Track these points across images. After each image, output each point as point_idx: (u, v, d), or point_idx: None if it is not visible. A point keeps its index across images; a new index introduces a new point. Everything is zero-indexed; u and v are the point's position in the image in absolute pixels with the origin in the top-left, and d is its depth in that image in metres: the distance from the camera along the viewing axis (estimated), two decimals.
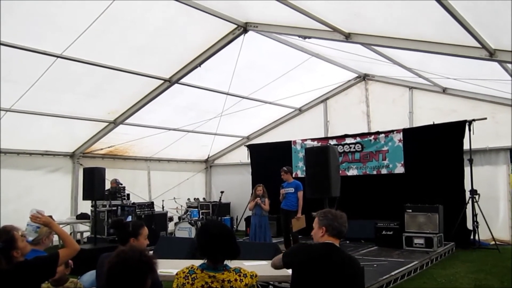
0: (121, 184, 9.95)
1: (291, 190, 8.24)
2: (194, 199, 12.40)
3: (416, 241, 8.12)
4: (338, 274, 2.85)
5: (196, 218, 9.93)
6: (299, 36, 7.02)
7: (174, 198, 11.06)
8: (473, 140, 8.60)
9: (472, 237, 8.58)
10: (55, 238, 3.89)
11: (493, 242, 8.48)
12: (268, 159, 11.10)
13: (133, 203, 9.79)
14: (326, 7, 5.82)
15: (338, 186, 5.48)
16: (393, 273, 6.06)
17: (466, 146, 8.68)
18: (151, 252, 2.35)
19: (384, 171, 9.79)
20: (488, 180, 9.15)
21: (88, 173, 7.92)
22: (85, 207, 9.61)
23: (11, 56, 6.48)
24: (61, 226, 3.56)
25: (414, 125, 10.00)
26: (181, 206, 11.23)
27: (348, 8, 5.70)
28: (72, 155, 10.49)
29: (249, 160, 12.01)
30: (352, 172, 10.22)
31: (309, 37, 6.90)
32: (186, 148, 12.24)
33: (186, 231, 9.45)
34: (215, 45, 7.86)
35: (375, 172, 9.93)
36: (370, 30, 6.27)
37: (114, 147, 10.86)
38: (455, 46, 5.63)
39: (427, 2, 4.47)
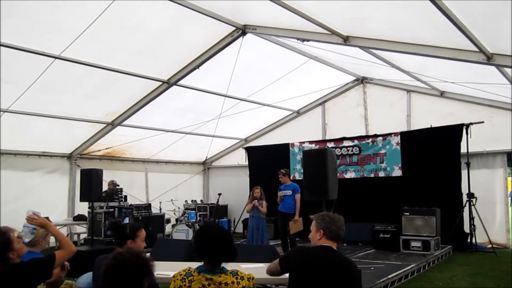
0: (119, 186, 9.94)
1: (289, 192, 8.25)
2: (192, 201, 12.38)
3: (413, 244, 8.14)
4: (335, 277, 2.85)
5: (194, 220, 9.88)
6: (298, 39, 7.04)
7: (172, 200, 11.03)
8: (471, 143, 8.63)
9: (469, 240, 8.61)
10: (52, 239, 3.88)
11: (490, 246, 8.48)
12: (266, 162, 11.11)
13: (131, 205, 9.77)
14: (325, 10, 5.84)
15: (335, 188, 5.50)
16: (390, 276, 6.06)
17: (463, 150, 8.70)
18: (148, 254, 2.34)
19: (381, 174, 9.80)
20: (485, 184, 9.19)
21: (85, 174, 7.91)
22: (82, 208, 9.60)
23: (9, 57, 6.46)
24: (57, 227, 3.55)
25: (412, 128, 10.03)
26: (179, 208, 11.19)
27: (346, 11, 5.72)
28: (69, 157, 10.47)
29: (247, 163, 11.99)
30: (350, 175, 10.23)
31: (308, 40, 6.92)
32: (184, 150, 12.23)
33: (183, 233, 9.41)
34: (214, 47, 7.86)
35: (372, 175, 9.94)
36: (368, 33, 6.29)
37: (112, 149, 10.84)
38: (453, 50, 5.67)
39: (425, 6, 4.49)
